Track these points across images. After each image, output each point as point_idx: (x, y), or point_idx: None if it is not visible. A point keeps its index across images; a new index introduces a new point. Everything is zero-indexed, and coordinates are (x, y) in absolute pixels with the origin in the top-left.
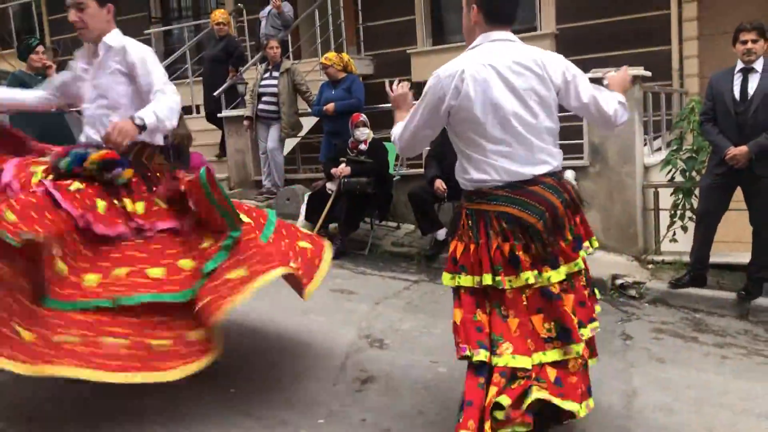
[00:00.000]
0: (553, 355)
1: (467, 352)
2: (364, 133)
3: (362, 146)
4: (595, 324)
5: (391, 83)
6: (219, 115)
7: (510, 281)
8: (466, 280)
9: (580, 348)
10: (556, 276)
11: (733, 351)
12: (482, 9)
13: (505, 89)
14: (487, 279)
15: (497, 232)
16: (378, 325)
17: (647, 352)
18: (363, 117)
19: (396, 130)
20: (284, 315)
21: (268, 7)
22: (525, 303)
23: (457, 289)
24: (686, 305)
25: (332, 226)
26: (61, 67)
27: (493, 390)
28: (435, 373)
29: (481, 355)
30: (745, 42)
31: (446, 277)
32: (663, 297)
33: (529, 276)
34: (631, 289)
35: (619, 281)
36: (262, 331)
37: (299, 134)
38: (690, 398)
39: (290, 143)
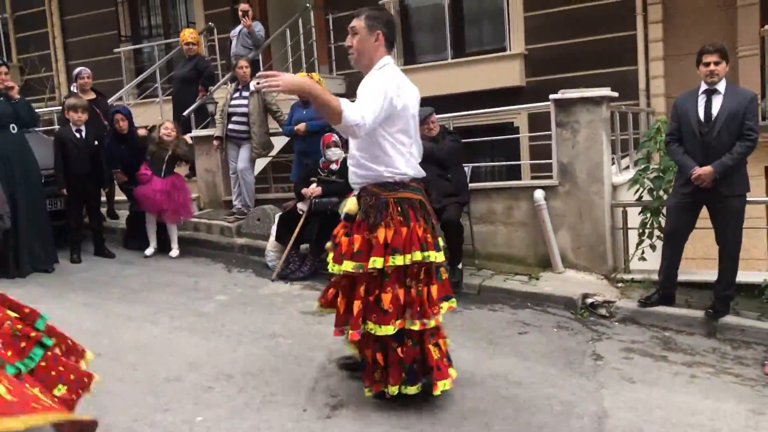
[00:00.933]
0: (432, 322)
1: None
2: (336, 154)
3: (333, 166)
4: (452, 301)
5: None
6: (189, 134)
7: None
8: (399, 260)
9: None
10: (438, 257)
11: (702, 370)
12: (385, 36)
13: (413, 102)
14: (418, 255)
15: (421, 216)
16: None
17: (618, 372)
18: (335, 137)
19: (360, 110)
20: (251, 338)
21: (239, 27)
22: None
23: (382, 271)
24: (656, 324)
25: (303, 246)
26: (28, 86)
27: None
28: (405, 397)
29: (417, 324)
30: (707, 64)
31: (379, 261)
32: (633, 316)
33: (429, 255)
34: (601, 308)
35: (589, 300)
36: (228, 355)
37: (270, 154)
38: (660, 418)
39: (261, 163)
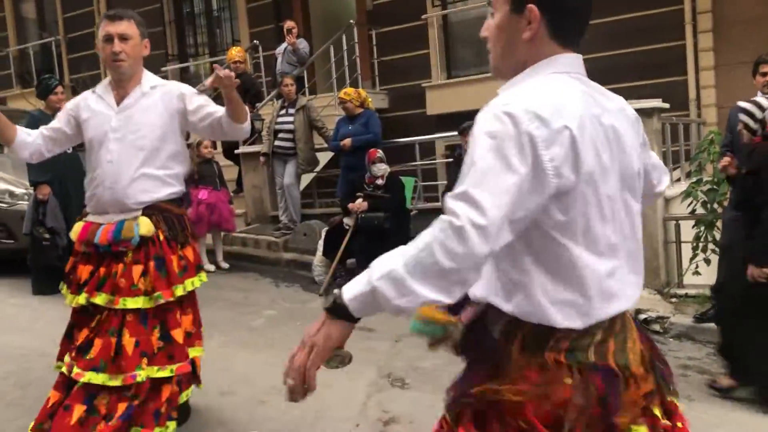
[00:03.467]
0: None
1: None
2: (381, 169)
3: (379, 181)
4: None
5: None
6: (236, 151)
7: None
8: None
9: None
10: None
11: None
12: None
13: None
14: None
15: None
16: (398, 363)
17: None
18: (380, 153)
19: None
20: None
21: (284, 44)
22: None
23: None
24: (712, 340)
25: (350, 261)
26: None
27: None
28: None
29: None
30: (765, 74)
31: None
32: (688, 332)
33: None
34: (655, 324)
35: (642, 316)
36: (280, 369)
37: (315, 169)
38: None
39: (306, 178)
